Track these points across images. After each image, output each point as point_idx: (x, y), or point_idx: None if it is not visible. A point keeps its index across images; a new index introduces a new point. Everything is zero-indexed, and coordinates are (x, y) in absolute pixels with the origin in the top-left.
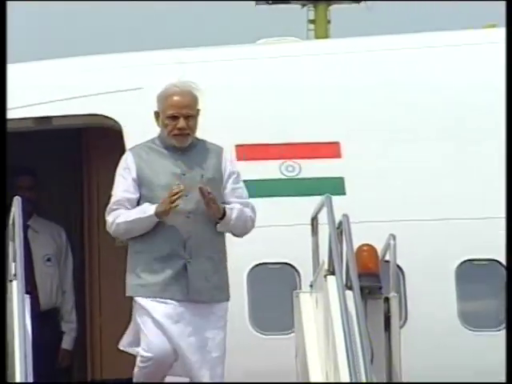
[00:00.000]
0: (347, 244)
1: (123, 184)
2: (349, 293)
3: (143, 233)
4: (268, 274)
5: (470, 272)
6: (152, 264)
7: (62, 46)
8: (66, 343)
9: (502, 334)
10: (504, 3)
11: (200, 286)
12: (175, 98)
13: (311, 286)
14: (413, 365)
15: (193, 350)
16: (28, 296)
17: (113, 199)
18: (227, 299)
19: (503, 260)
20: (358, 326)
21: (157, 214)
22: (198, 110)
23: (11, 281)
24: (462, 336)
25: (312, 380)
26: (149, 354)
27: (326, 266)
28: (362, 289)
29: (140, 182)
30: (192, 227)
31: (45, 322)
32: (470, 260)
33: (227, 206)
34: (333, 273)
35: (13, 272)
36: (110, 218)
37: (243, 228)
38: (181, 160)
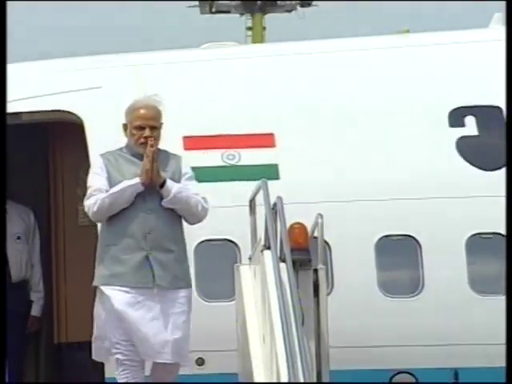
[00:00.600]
0: (281, 223)
1: (98, 179)
2: (282, 265)
3: (125, 206)
4: (212, 250)
5: (387, 246)
6: (117, 256)
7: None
8: (35, 310)
9: (413, 300)
10: (504, 3)
11: (160, 274)
12: (141, 111)
13: (250, 259)
14: (338, 326)
15: (154, 334)
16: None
17: (92, 188)
18: (187, 286)
19: (416, 235)
20: (290, 294)
21: (141, 174)
22: (161, 123)
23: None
24: (380, 301)
25: (251, 343)
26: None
27: (262, 242)
28: (293, 261)
29: (110, 183)
30: (153, 223)
31: (15, 292)
32: (386, 236)
33: (168, 180)
34: (268, 248)
35: None
36: (90, 201)
37: (187, 207)
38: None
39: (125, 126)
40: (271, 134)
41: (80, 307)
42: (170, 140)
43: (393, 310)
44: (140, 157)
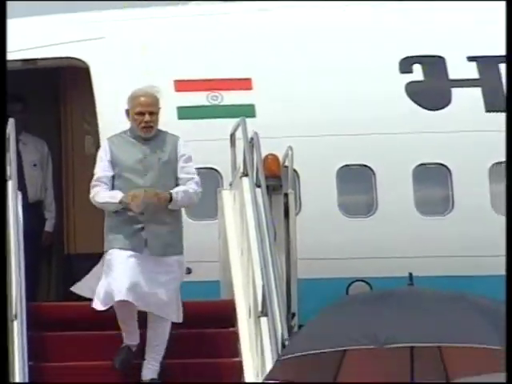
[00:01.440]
0: (257, 154)
1: (101, 164)
2: (258, 190)
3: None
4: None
5: (347, 174)
6: (119, 225)
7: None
8: (48, 227)
9: (368, 219)
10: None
11: (152, 243)
12: (141, 98)
13: (230, 185)
14: (305, 241)
15: (149, 292)
16: (19, 192)
17: (94, 177)
18: (180, 253)
19: (371, 164)
20: (264, 214)
21: (120, 202)
22: (159, 109)
23: (7, 180)
24: (340, 221)
25: (231, 255)
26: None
27: (241, 170)
28: (267, 187)
29: (113, 163)
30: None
31: (32, 210)
32: (346, 165)
33: (173, 192)
34: (246, 175)
35: (8, 174)
36: (91, 192)
37: (189, 203)
38: (144, 147)
39: (127, 112)
40: (249, 79)
41: (86, 223)
42: (163, 83)
43: (351, 228)
44: (140, 139)
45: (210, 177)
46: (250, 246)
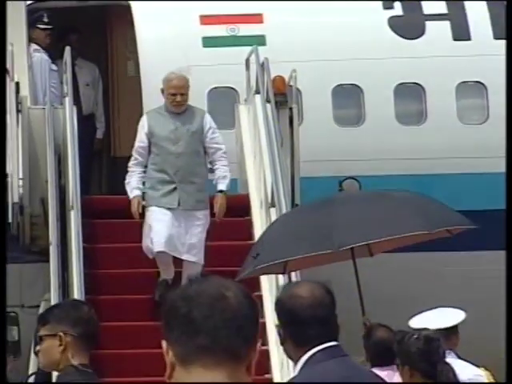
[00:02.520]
0: (267, 75)
1: (139, 136)
2: (268, 105)
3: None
4: (219, 93)
5: (340, 92)
6: (155, 186)
7: None
8: (99, 134)
9: (357, 129)
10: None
11: (184, 199)
12: (174, 81)
13: (245, 100)
14: (306, 147)
15: (177, 236)
16: (74, 106)
17: (134, 146)
18: (205, 208)
19: (360, 84)
20: (273, 125)
21: (131, 200)
22: (188, 88)
23: (64, 97)
24: (334, 130)
25: (246, 158)
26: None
27: (254, 89)
28: (275, 102)
29: (150, 134)
30: (180, 163)
31: (86, 122)
32: (339, 85)
33: (224, 189)
34: (258, 92)
35: (65, 91)
36: (130, 161)
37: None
38: (176, 120)
39: (162, 91)
40: (261, 14)
41: (128, 132)
42: (191, 17)
43: (343, 136)
44: (173, 113)
45: (229, 94)
46: (262, 150)
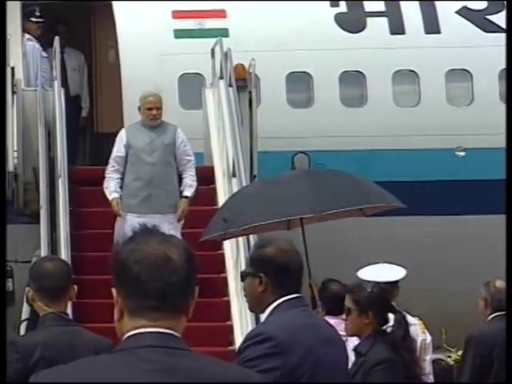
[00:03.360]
0: (229, 63)
1: (118, 146)
2: (230, 88)
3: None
4: (189, 78)
5: (294, 79)
6: (132, 193)
7: None
8: (84, 113)
9: (307, 111)
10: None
11: (158, 204)
12: (150, 98)
13: (211, 84)
14: (263, 126)
15: None
16: (62, 88)
17: (112, 155)
18: (175, 211)
19: (310, 71)
20: (234, 106)
21: (111, 202)
22: (162, 104)
23: (53, 80)
24: (287, 111)
25: (211, 135)
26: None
27: (218, 74)
28: (237, 87)
29: (128, 145)
30: (154, 172)
31: (72, 102)
32: (293, 72)
33: (188, 194)
34: (222, 78)
35: (54, 75)
36: (107, 169)
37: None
38: (151, 133)
39: (139, 108)
40: (224, 10)
41: (109, 111)
42: (164, 12)
43: (295, 116)
44: (148, 127)
45: (197, 79)
46: (225, 128)
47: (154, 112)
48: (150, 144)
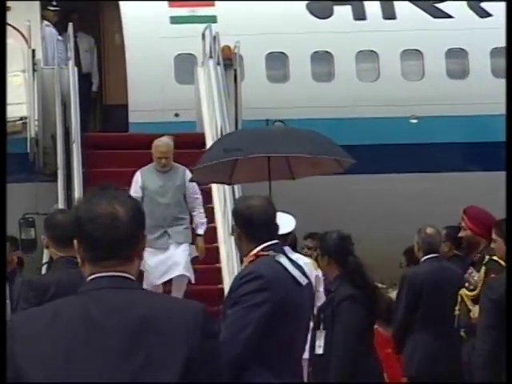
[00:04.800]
0: (218, 45)
1: (134, 188)
2: (218, 67)
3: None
4: (183, 58)
5: (271, 58)
6: (148, 229)
7: None
8: (94, 88)
9: (283, 85)
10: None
11: (174, 238)
12: (160, 148)
13: (202, 63)
14: (246, 97)
15: (173, 265)
16: (76, 67)
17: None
18: (189, 242)
19: (285, 51)
20: (222, 81)
21: None
22: (172, 152)
23: (68, 60)
24: (267, 86)
25: (203, 107)
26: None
27: (208, 54)
28: (224, 65)
29: (143, 187)
30: (168, 211)
31: (84, 78)
32: (270, 52)
33: (201, 232)
34: (211, 57)
35: (69, 55)
36: None
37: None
38: (163, 176)
39: (152, 154)
40: (213, 0)
41: (116, 85)
42: (161, 2)
43: (273, 90)
44: (160, 171)
45: (190, 59)
46: (214, 100)
47: (163, 161)
48: (163, 186)
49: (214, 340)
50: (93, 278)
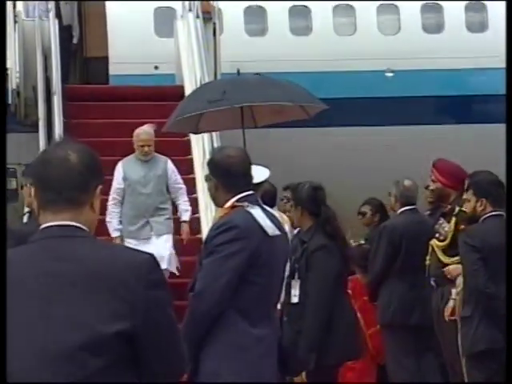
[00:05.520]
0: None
1: (117, 179)
2: (197, 20)
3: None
4: (163, 11)
5: (249, 12)
6: (131, 220)
7: None
8: (74, 40)
9: (260, 38)
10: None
11: (157, 228)
12: (142, 136)
13: (181, 16)
14: (225, 51)
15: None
16: (56, 19)
17: (112, 188)
18: (171, 232)
19: (263, 4)
20: (201, 34)
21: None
22: (153, 140)
23: (49, 12)
24: (245, 39)
25: (182, 62)
26: None
27: (188, 7)
28: (203, 18)
29: (124, 178)
30: (150, 201)
31: (65, 31)
32: (249, 6)
33: (186, 219)
34: (191, 10)
35: (49, 7)
36: (109, 200)
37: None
38: (144, 166)
39: (133, 143)
40: None
41: (96, 38)
42: None
43: (252, 43)
44: (142, 161)
45: (169, 12)
46: (193, 53)
47: (146, 149)
48: (144, 176)
49: (159, 289)
50: (44, 227)
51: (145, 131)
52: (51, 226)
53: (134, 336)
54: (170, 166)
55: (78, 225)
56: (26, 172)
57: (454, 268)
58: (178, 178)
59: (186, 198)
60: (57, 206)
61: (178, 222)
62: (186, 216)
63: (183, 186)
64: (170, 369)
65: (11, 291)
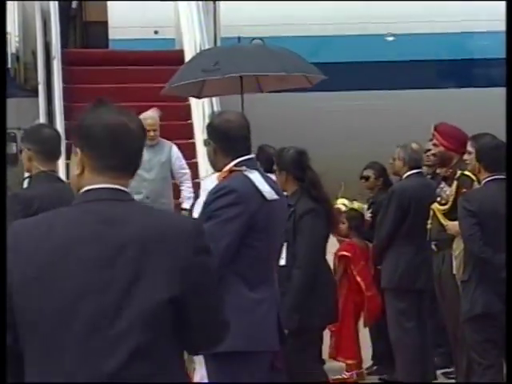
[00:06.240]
0: None
1: None
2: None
3: None
4: None
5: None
6: None
7: None
8: (74, 4)
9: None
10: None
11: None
12: (148, 121)
13: None
14: (226, 13)
15: None
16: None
17: None
18: None
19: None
20: (202, 12)
21: None
22: (158, 125)
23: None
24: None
25: (181, 22)
26: None
27: None
28: None
29: None
30: (152, 187)
31: (63, 11)
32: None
33: (188, 205)
34: None
35: None
36: None
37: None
38: (149, 152)
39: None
40: None
41: (96, 2)
42: None
43: (252, 8)
44: (146, 146)
45: None
46: (193, 18)
47: (152, 134)
48: (149, 162)
49: (206, 255)
50: (88, 190)
51: (150, 116)
52: (99, 188)
53: (181, 302)
54: (175, 151)
55: (127, 190)
56: (74, 133)
57: (453, 224)
58: (183, 163)
59: (190, 184)
60: (116, 172)
61: (179, 209)
62: (187, 204)
63: (188, 172)
64: (212, 335)
65: (55, 257)
